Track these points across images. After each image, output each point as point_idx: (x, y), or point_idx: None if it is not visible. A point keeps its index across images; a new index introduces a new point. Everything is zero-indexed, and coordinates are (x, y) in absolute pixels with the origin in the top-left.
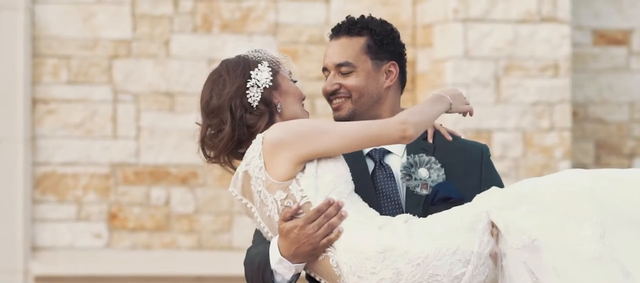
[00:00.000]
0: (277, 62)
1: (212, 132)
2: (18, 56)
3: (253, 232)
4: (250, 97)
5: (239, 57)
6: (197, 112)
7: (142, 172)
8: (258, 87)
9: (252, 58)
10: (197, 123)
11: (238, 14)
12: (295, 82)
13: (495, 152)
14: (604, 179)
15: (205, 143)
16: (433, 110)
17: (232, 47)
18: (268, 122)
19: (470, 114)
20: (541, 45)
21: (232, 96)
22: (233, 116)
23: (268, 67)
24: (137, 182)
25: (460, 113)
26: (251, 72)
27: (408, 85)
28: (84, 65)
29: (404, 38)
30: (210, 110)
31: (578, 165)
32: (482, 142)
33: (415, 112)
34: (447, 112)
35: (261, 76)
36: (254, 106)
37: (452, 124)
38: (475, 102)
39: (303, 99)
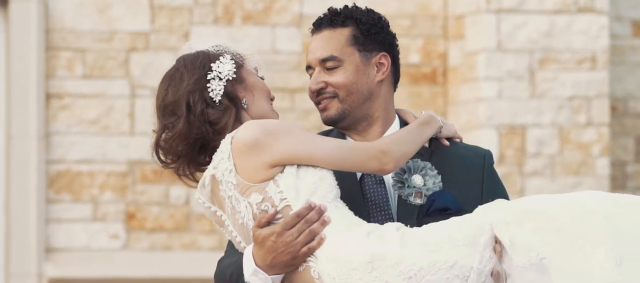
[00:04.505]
0: (241, 55)
1: (169, 133)
2: (31, 49)
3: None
4: (212, 90)
5: (198, 51)
6: None
7: (160, 170)
8: (220, 79)
9: (213, 51)
10: (154, 130)
11: (261, 5)
12: (262, 78)
13: (530, 149)
14: (626, 206)
15: (160, 146)
16: (421, 137)
17: (253, 40)
18: (235, 120)
19: (460, 140)
20: (578, 37)
21: (190, 89)
22: (190, 110)
23: (231, 59)
24: (155, 180)
25: (449, 138)
26: (212, 64)
27: (439, 79)
28: (100, 59)
29: (435, 30)
30: (165, 107)
31: (617, 162)
32: (517, 138)
33: (401, 140)
34: (434, 136)
35: (223, 68)
36: (216, 101)
37: (486, 119)
38: (509, 96)
39: (272, 98)
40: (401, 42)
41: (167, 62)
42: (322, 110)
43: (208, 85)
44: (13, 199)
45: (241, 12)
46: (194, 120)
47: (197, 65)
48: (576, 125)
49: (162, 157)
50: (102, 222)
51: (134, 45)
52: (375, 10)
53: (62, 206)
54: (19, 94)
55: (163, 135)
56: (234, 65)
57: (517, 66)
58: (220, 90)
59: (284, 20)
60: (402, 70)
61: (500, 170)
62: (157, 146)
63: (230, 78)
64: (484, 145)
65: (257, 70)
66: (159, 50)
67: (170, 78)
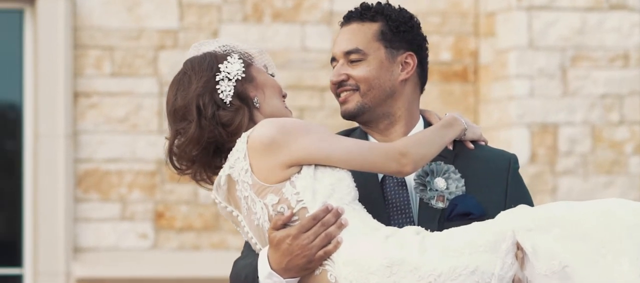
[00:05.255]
0: (249, 54)
1: (182, 139)
2: (59, 47)
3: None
4: (222, 91)
5: (204, 53)
6: None
7: None
8: (229, 80)
9: (220, 52)
10: (166, 138)
11: (290, 3)
12: (272, 76)
13: (561, 147)
14: None
15: (173, 153)
16: (443, 139)
17: (283, 38)
18: (248, 120)
19: (485, 143)
20: (610, 34)
21: (199, 92)
22: (201, 114)
23: (239, 59)
24: (184, 179)
25: (473, 141)
26: (220, 65)
27: (470, 76)
28: (129, 57)
29: (466, 27)
30: (176, 112)
31: None
32: (549, 136)
33: (421, 142)
34: (458, 139)
35: (232, 68)
36: (227, 102)
37: (517, 117)
38: (541, 94)
39: (284, 96)
40: (432, 39)
41: None
42: (341, 103)
43: (217, 86)
44: (41, 198)
45: (270, 9)
46: (206, 124)
47: (204, 67)
48: (608, 124)
49: (177, 164)
50: (130, 221)
51: (163, 43)
52: (407, 8)
53: (90, 205)
54: (46, 92)
55: (176, 141)
56: (243, 65)
57: (548, 64)
58: (230, 90)
59: (314, 17)
60: (433, 67)
61: (531, 169)
62: (170, 153)
63: (240, 77)
64: (516, 143)
65: (266, 68)
66: (188, 48)
67: (179, 82)
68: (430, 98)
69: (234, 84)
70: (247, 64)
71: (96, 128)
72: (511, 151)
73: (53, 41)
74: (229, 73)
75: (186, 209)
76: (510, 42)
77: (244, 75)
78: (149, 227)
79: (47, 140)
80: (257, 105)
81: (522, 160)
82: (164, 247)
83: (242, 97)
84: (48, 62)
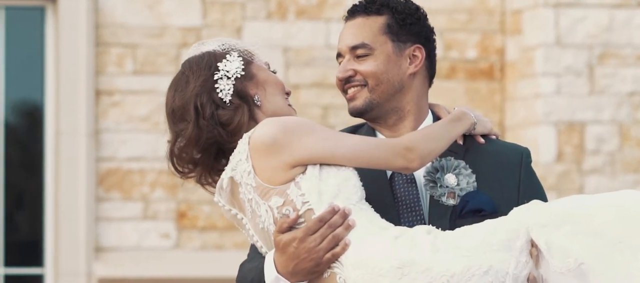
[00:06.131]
0: (249, 51)
1: (182, 141)
2: (81, 45)
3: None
4: (221, 90)
5: (203, 52)
6: None
7: None
8: (228, 78)
9: (219, 50)
10: (168, 141)
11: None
12: (274, 72)
13: (588, 146)
14: None
15: (175, 155)
16: (451, 134)
17: (307, 35)
18: (249, 119)
19: (496, 137)
20: (638, 31)
21: (197, 92)
22: (199, 114)
23: (238, 56)
24: None
25: (484, 135)
26: (219, 63)
27: (496, 74)
28: (151, 55)
29: (492, 25)
30: (174, 114)
31: None
32: (575, 135)
33: (428, 137)
34: (467, 133)
35: (231, 67)
36: (227, 101)
37: (544, 115)
38: (568, 92)
39: (288, 93)
40: (458, 36)
41: None
42: (349, 100)
43: (216, 85)
44: (62, 197)
45: (295, 6)
46: (204, 124)
47: (202, 66)
48: (636, 122)
49: (179, 167)
50: (152, 220)
51: (186, 40)
52: (434, 6)
53: (112, 204)
54: (68, 90)
55: (176, 144)
56: (242, 62)
57: (575, 61)
58: (229, 89)
59: (338, 14)
60: (459, 65)
61: (558, 168)
62: (171, 156)
63: (239, 75)
64: (542, 142)
65: (268, 65)
66: None
67: (177, 83)
68: (456, 96)
69: (233, 82)
70: (247, 62)
71: (118, 126)
72: (538, 150)
73: (75, 39)
74: (227, 71)
75: (209, 209)
76: (537, 39)
77: (243, 73)
78: (172, 227)
79: (68, 138)
80: (258, 103)
81: (548, 159)
82: (186, 247)
83: (241, 95)
84: (70, 60)
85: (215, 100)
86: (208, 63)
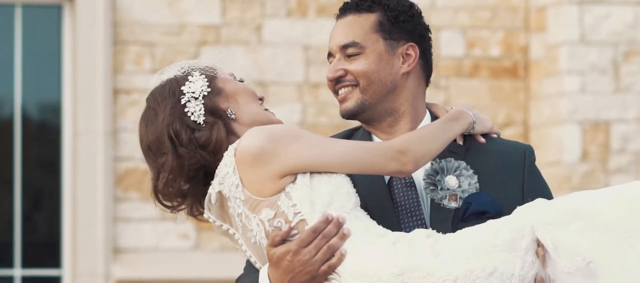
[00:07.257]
0: (211, 67)
1: (164, 174)
2: (98, 43)
3: None
4: (192, 113)
5: (163, 82)
6: (290, 102)
7: None
8: (196, 98)
9: (179, 75)
10: (151, 179)
11: None
12: (242, 81)
13: (613, 145)
14: None
15: (160, 192)
16: (447, 134)
17: (327, 33)
18: (227, 133)
19: (498, 136)
20: None
21: (168, 122)
22: (175, 143)
23: (201, 75)
24: None
25: (485, 134)
26: (182, 87)
27: (520, 72)
28: (170, 53)
29: (516, 22)
30: (150, 149)
31: None
32: (600, 134)
33: (423, 138)
34: (466, 133)
35: (195, 87)
36: (200, 122)
37: (568, 114)
38: (592, 90)
39: (260, 98)
40: (481, 34)
41: (239, 56)
42: (341, 101)
43: (185, 109)
44: (80, 198)
45: (315, 4)
46: (184, 151)
47: (166, 95)
48: None
49: (167, 202)
50: (171, 221)
51: (205, 38)
52: (455, 3)
53: (130, 205)
54: (85, 89)
55: (160, 179)
56: (206, 79)
57: (600, 59)
58: (200, 109)
59: None
60: (482, 63)
61: (583, 167)
62: (156, 192)
63: (206, 93)
64: (566, 141)
65: (234, 76)
66: (231, 44)
67: (146, 118)
68: (480, 94)
69: (203, 101)
70: (211, 78)
71: (136, 126)
72: (562, 149)
73: (92, 37)
74: (193, 92)
75: None
76: (561, 37)
77: (209, 89)
78: (191, 228)
79: (86, 137)
80: (233, 116)
81: (573, 159)
82: (205, 248)
83: (214, 112)
84: (87, 59)
85: (188, 124)
86: (171, 90)
